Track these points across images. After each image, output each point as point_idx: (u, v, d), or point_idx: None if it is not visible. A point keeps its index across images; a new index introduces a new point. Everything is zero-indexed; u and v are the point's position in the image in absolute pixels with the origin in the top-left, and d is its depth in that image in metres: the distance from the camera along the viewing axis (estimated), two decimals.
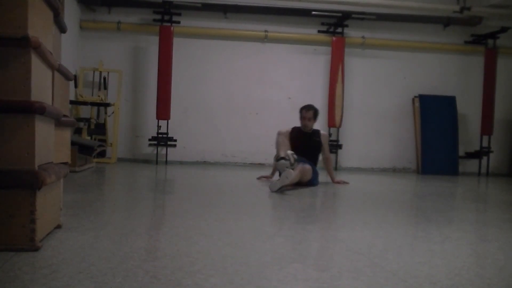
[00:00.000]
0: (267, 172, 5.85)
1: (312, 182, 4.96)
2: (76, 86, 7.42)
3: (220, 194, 4.09)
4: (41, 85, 1.96)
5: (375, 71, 8.45)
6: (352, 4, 7.83)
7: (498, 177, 8.12)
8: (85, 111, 7.51)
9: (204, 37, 8.06)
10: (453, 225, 2.95)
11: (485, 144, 8.50)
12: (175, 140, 7.85)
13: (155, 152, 7.84)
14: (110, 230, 2.29)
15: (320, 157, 5.41)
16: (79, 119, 6.85)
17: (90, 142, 6.26)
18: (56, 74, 2.40)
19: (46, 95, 2.06)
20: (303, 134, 5.23)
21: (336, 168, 8.15)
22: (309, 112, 5.22)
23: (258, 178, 5.44)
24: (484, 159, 8.53)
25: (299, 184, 4.79)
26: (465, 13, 8.06)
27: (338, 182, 5.45)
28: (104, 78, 7.62)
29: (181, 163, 7.96)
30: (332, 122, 8.08)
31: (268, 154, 7.73)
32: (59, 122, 2.35)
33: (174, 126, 7.83)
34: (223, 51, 8.11)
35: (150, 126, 7.85)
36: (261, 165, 7.99)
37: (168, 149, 7.87)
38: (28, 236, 1.76)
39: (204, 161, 8.12)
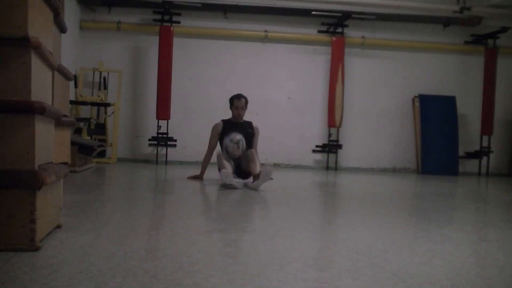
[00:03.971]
0: None
1: None
2: (76, 86, 7.42)
3: (219, 194, 4.09)
4: (41, 85, 1.96)
5: (375, 71, 8.45)
6: (352, 4, 7.83)
7: (498, 177, 8.12)
8: (85, 111, 7.51)
9: (204, 37, 8.06)
10: (453, 225, 2.95)
11: (485, 144, 8.50)
12: (175, 140, 7.85)
13: (155, 152, 7.85)
14: (110, 230, 2.29)
15: None
16: (79, 119, 6.85)
17: (90, 142, 6.26)
18: (56, 74, 2.40)
19: (46, 95, 2.06)
20: (235, 125, 5.13)
21: (336, 168, 8.16)
22: (241, 100, 5.15)
23: (189, 178, 5.20)
24: (484, 159, 8.53)
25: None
26: (465, 13, 8.06)
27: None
28: (104, 78, 7.62)
29: (181, 163, 7.96)
30: (332, 122, 8.08)
31: (268, 153, 7.74)
32: (59, 122, 2.35)
33: (174, 126, 7.83)
34: (223, 51, 8.11)
35: (150, 126, 7.85)
36: (261, 165, 7.97)
37: (168, 149, 7.87)
38: (28, 236, 1.76)
39: None
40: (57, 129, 2.34)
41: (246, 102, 5.23)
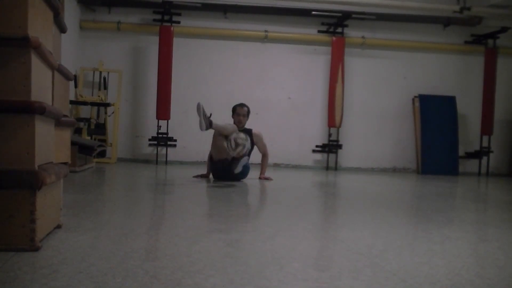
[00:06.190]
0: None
1: (240, 175, 5.10)
2: (76, 86, 7.42)
3: (220, 194, 4.09)
4: (41, 85, 1.96)
5: (375, 71, 8.45)
6: (352, 4, 7.83)
7: (498, 177, 8.12)
8: (85, 111, 7.51)
9: (204, 37, 8.06)
10: (453, 225, 2.95)
11: (485, 144, 8.50)
12: (175, 140, 7.85)
13: (155, 152, 7.84)
14: (110, 230, 2.28)
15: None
16: (79, 119, 6.85)
17: (90, 142, 6.26)
18: (56, 74, 2.40)
19: (46, 95, 2.06)
20: None
21: (336, 168, 8.16)
22: (243, 109, 5.36)
23: (195, 177, 5.36)
24: (484, 159, 8.53)
25: (225, 166, 4.93)
26: (465, 13, 8.05)
27: (260, 178, 5.54)
28: (104, 78, 7.62)
29: (181, 163, 7.96)
30: (332, 122, 8.08)
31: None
32: (59, 122, 2.35)
33: (174, 126, 7.83)
34: (223, 51, 8.11)
35: (150, 126, 7.85)
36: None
37: (168, 149, 7.87)
38: (28, 236, 1.76)
39: (204, 161, 8.08)
40: (57, 129, 2.33)
41: (248, 111, 5.42)
